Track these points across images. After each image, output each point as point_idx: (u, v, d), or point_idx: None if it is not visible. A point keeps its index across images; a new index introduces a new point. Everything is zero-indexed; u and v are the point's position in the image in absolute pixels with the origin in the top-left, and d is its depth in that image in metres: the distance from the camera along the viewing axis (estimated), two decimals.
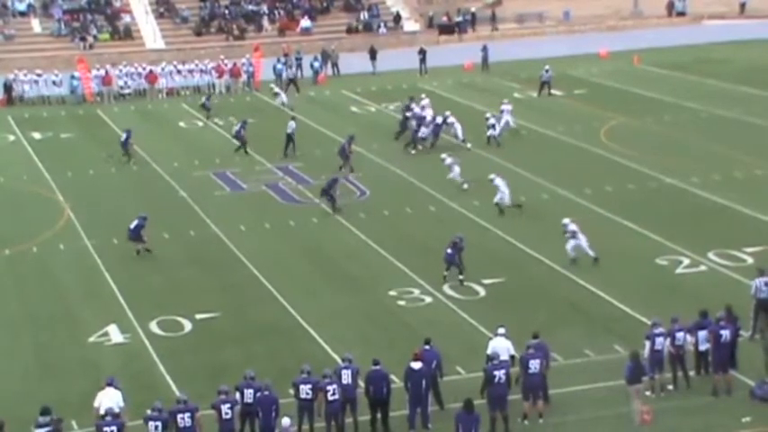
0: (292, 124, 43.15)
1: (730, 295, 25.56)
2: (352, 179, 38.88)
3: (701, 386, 22.78)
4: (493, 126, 43.25)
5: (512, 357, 22.12)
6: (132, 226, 31.90)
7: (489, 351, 22.17)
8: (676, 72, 57.02)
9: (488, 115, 43.98)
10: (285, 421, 20.08)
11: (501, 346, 22.23)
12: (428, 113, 44.12)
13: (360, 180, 38.88)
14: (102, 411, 20.29)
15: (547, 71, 52.19)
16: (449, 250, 29.11)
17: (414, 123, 43.43)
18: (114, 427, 19.68)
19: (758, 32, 67.00)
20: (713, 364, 22.76)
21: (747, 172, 38.34)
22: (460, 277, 28.85)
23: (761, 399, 22.23)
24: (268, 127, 48.35)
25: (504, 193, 34.62)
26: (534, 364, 21.49)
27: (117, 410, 20.14)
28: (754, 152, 40.54)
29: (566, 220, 30.72)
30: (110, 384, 20.99)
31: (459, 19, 71.84)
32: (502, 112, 44.37)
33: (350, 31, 68.91)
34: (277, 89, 53.17)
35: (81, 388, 23.02)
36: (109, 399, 20.61)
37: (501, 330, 22.68)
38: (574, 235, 30.14)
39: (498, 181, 34.95)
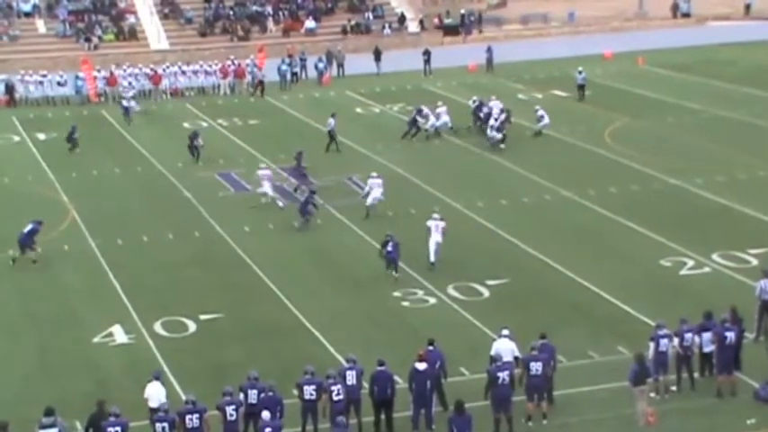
0: (331, 121, 43.18)
1: (734, 297, 25.53)
2: (356, 179, 38.87)
3: (705, 388, 22.77)
4: (542, 117, 44.45)
5: (516, 359, 22.10)
6: (26, 231, 31.33)
7: (493, 352, 22.17)
8: (681, 73, 57.00)
9: (537, 108, 45.15)
10: (265, 415, 20.14)
11: (505, 347, 22.23)
12: (445, 120, 44.88)
13: (363, 181, 38.83)
14: (152, 404, 20.74)
15: (580, 73, 51.51)
16: (389, 248, 29.28)
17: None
18: (119, 428, 19.73)
19: (763, 34, 66.94)
20: (717, 365, 22.74)
21: (751, 173, 38.32)
22: (395, 275, 29.14)
23: (765, 400, 22.21)
24: (272, 128, 48.44)
25: (375, 197, 34.87)
26: (536, 366, 21.48)
27: (157, 405, 20.52)
28: (758, 153, 40.53)
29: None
30: (156, 378, 21.41)
31: (450, 21, 71.71)
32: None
33: (344, 31, 68.87)
34: (125, 102, 49.66)
35: (85, 389, 23.04)
36: (155, 392, 21.01)
37: (505, 332, 22.69)
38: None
39: (373, 182, 35.10)
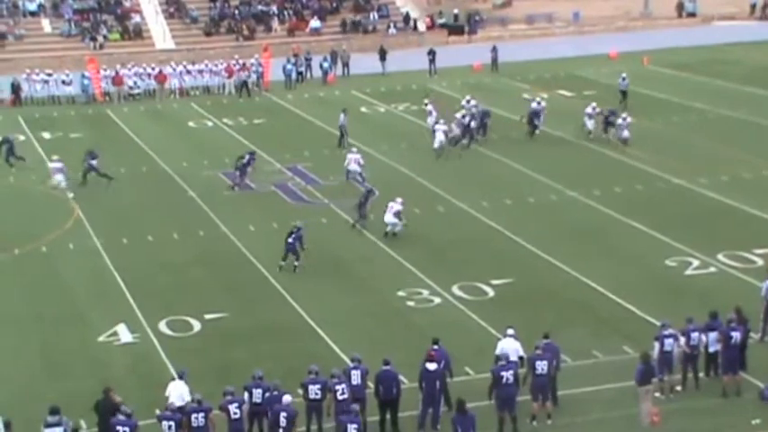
0: (342, 117, 43.60)
1: (740, 297, 25.52)
2: (360, 179, 38.89)
3: (710, 387, 22.74)
4: (613, 116, 43.52)
5: (520, 358, 22.09)
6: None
7: (498, 352, 22.17)
8: (686, 73, 56.96)
9: (593, 106, 44.41)
10: (286, 399, 20.38)
11: (510, 347, 22.22)
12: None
13: (368, 180, 38.87)
14: (177, 403, 20.66)
15: (624, 79, 49.79)
16: (290, 240, 30.02)
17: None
18: (127, 428, 19.78)
19: (767, 34, 66.87)
20: (723, 365, 22.72)
21: (756, 173, 38.28)
22: (296, 263, 29.88)
23: None
24: (277, 127, 48.45)
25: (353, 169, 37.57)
26: (541, 365, 21.47)
27: (178, 405, 20.53)
28: (763, 153, 40.49)
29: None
30: (180, 377, 21.41)
31: (443, 21, 71.57)
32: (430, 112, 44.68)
33: (344, 29, 68.85)
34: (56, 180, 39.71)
35: (90, 388, 22.98)
36: (176, 391, 21.03)
37: (510, 331, 22.69)
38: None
39: (351, 156, 37.98)
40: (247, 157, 38.97)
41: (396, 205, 32.67)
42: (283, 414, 20.24)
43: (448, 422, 21.27)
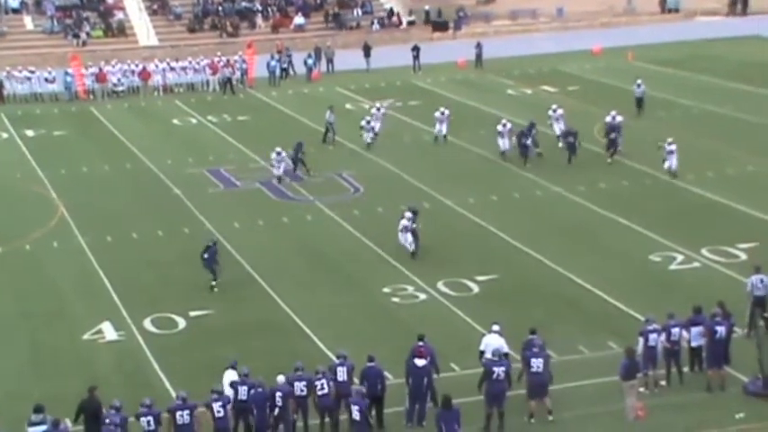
0: (328, 113, 43.70)
1: (724, 291, 25.64)
2: (345, 176, 38.89)
3: (694, 382, 22.85)
4: (527, 135, 39.61)
5: (504, 355, 22.14)
6: None
7: (482, 347, 22.23)
8: (669, 68, 57.08)
9: (503, 122, 40.75)
10: (280, 378, 20.90)
11: (494, 342, 22.26)
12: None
13: (353, 177, 38.90)
14: (226, 390, 21.03)
15: (639, 86, 46.72)
16: (205, 255, 28.67)
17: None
18: (150, 417, 19.98)
19: (751, 29, 67.07)
20: (707, 359, 22.81)
21: (740, 168, 38.42)
22: (212, 283, 28.48)
23: (754, 395, 22.30)
24: (261, 124, 48.37)
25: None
26: (537, 363, 21.48)
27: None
28: (747, 148, 40.64)
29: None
30: (233, 367, 21.65)
31: (412, 18, 71.20)
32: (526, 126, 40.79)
33: (327, 24, 68.85)
34: None
35: (75, 386, 22.91)
36: (228, 380, 21.35)
37: (495, 327, 22.76)
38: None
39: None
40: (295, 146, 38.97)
41: (404, 221, 30.73)
42: (279, 393, 20.55)
43: (433, 418, 21.34)
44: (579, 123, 45.41)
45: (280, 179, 38.15)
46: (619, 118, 40.59)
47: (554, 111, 42.53)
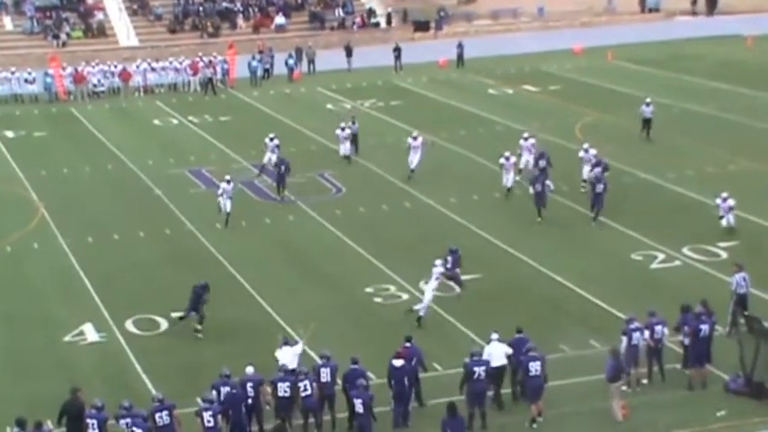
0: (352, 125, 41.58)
1: (705, 290, 25.76)
2: (327, 176, 38.86)
3: (676, 380, 22.93)
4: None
5: (509, 357, 22.01)
6: None
7: (486, 357, 21.75)
8: (649, 68, 57.28)
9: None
10: (249, 370, 21.07)
11: (497, 351, 22.01)
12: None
13: (335, 177, 38.88)
14: (287, 364, 21.60)
15: (648, 105, 42.32)
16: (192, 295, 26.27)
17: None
18: (96, 421, 19.88)
19: (729, 29, 67.36)
20: (691, 358, 22.91)
21: (720, 167, 38.57)
22: (198, 327, 26.03)
23: (735, 392, 22.40)
24: (243, 125, 48.27)
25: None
26: (534, 366, 21.46)
27: (291, 368, 21.46)
28: (727, 147, 40.79)
29: None
30: (286, 343, 22.40)
31: (376, 20, 70.92)
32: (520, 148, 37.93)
33: (310, 23, 68.84)
34: None
35: (56, 388, 22.82)
36: (286, 355, 22.02)
37: (494, 336, 22.30)
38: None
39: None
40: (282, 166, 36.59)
41: (437, 269, 26.82)
42: (249, 384, 20.75)
43: (419, 418, 21.39)
44: (560, 123, 45.66)
45: (263, 168, 37.95)
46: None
47: (525, 140, 38.02)
